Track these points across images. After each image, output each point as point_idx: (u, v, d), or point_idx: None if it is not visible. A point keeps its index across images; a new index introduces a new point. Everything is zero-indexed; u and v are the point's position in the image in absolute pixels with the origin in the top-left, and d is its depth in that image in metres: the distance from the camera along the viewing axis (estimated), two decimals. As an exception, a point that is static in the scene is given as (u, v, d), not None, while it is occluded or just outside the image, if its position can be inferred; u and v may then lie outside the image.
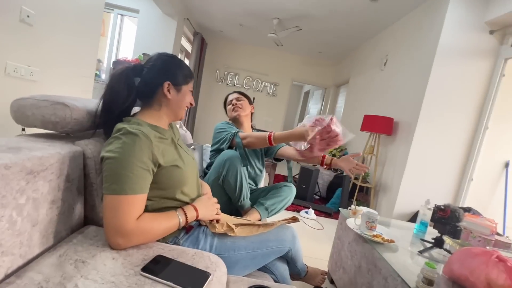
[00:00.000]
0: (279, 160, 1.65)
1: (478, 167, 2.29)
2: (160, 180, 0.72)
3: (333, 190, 3.16)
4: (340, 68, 5.29)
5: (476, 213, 2.05)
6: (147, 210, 0.71)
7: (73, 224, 0.68)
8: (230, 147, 1.34)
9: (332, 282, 1.45)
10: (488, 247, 1.11)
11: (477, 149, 2.28)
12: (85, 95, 2.18)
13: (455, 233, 1.08)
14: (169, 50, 3.84)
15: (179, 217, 0.73)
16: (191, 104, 0.86)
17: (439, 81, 2.30)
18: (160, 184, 0.72)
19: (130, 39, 4.02)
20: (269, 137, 1.20)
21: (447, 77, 2.29)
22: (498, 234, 1.27)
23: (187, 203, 0.80)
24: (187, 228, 0.80)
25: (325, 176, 3.44)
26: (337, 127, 1.13)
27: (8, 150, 0.52)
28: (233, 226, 0.81)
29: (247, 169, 1.44)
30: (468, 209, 2.08)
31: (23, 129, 0.74)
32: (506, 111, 2.27)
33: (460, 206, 2.26)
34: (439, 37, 2.27)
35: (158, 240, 0.72)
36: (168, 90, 0.78)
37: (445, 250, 1.11)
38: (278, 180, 3.94)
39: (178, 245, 0.77)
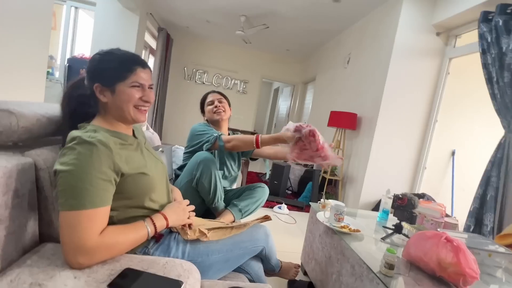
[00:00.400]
0: (254, 159, 1.66)
1: (430, 156, 2.54)
2: (125, 190, 0.68)
3: (304, 185, 3.27)
4: (307, 65, 5.46)
5: (429, 198, 2.28)
6: (112, 221, 0.67)
7: (26, 244, 0.62)
8: (209, 149, 1.31)
9: (305, 273, 1.51)
10: (438, 229, 1.24)
11: (428, 140, 2.52)
12: (37, 96, 1.98)
13: (412, 219, 1.19)
14: (132, 46, 3.62)
15: (147, 227, 0.69)
16: (144, 101, 0.73)
17: (396, 79, 2.49)
18: (126, 194, 0.68)
19: (87, 34, 3.71)
20: (257, 140, 1.20)
21: (403, 75, 2.49)
22: (447, 215, 1.43)
23: (156, 210, 0.77)
24: (156, 237, 0.77)
25: (296, 171, 3.55)
26: (323, 144, 1.14)
27: None
28: (205, 231, 0.80)
29: (223, 172, 1.42)
30: (422, 195, 2.30)
31: (-42, 141, 0.65)
32: (452, 106, 2.54)
33: (415, 192, 2.49)
34: (394, 37, 2.45)
35: (127, 252, 0.69)
36: (102, 93, 0.70)
37: (404, 235, 1.22)
38: (251, 177, 3.97)
39: (148, 255, 0.74)
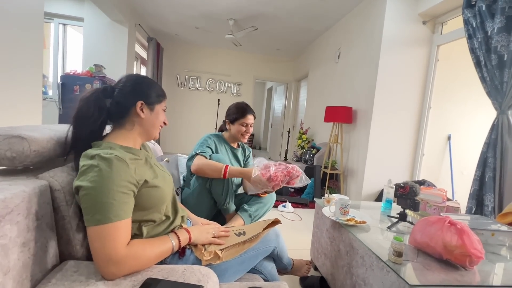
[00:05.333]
0: None
1: (427, 143, 2.59)
2: (139, 202, 0.70)
3: (306, 181, 3.30)
4: (299, 63, 5.50)
5: (430, 184, 2.32)
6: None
7: (48, 264, 0.64)
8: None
9: (316, 269, 1.54)
10: (441, 214, 1.28)
11: (424, 126, 2.57)
12: (35, 116, 1.99)
13: (415, 206, 1.22)
14: (123, 59, 3.63)
15: (172, 241, 0.73)
16: (164, 123, 0.86)
17: (387, 69, 2.53)
18: (140, 206, 0.71)
19: (77, 50, 3.72)
20: (225, 171, 1.20)
21: (393, 64, 2.53)
22: (448, 199, 1.47)
23: (166, 221, 0.80)
24: (180, 252, 0.79)
25: (297, 169, 3.57)
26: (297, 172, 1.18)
27: (-37, 198, 0.48)
28: (219, 252, 0.82)
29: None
30: (422, 182, 2.34)
31: (-27, 170, 0.67)
32: (444, 91, 2.59)
33: (416, 180, 2.53)
34: (382, 29, 2.50)
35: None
36: (141, 109, 0.77)
37: (409, 222, 1.25)
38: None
39: (166, 263, 0.76)
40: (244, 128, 1.43)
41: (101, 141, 0.74)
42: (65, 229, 0.67)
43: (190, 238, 0.80)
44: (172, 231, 0.79)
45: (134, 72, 4.41)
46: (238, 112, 1.43)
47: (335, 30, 3.69)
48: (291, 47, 5.04)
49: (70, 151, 0.74)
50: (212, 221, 1.05)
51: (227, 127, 1.49)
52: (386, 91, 2.55)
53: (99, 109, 0.74)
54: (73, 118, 0.73)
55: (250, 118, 1.44)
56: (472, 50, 1.87)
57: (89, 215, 0.60)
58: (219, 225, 0.98)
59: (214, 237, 0.87)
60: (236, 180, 1.49)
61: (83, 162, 0.66)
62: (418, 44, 2.53)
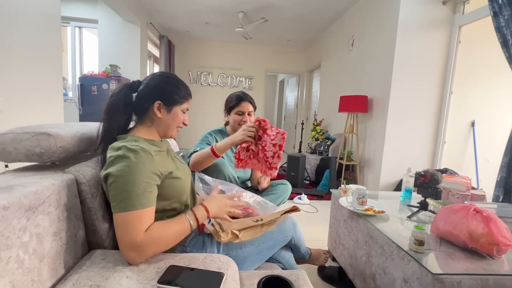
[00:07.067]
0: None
1: (449, 130, 2.47)
2: (162, 192, 0.73)
3: (322, 173, 3.27)
4: (311, 53, 5.39)
5: (452, 172, 2.23)
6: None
7: (78, 252, 0.68)
8: None
9: (333, 259, 1.54)
10: (466, 202, 1.23)
11: (445, 113, 2.45)
12: (57, 116, 2.08)
13: (437, 195, 1.18)
14: (136, 58, 3.71)
15: (189, 220, 0.74)
16: (184, 124, 0.86)
17: (404, 55, 2.42)
18: (162, 196, 0.74)
19: (93, 52, 3.83)
20: (212, 149, 1.12)
21: (411, 49, 2.42)
22: (473, 188, 1.40)
23: (185, 210, 0.82)
24: (200, 227, 0.80)
25: (312, 161, 3.54)
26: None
27: (1, 190, 0.52)
28: (237, 233, 0.83)
29: (239, 173, 1.42)
30: (444, 170, 2.25)
31: (6, 165, 0.71)
32: (467, 75, 2.45)
33: (437, 168, 2.44)
34: (398, 12, 2.38)
35: (166, 251, 0.74)
36: (159, 109, 0.79)
37: (430, 211, 1.21)
38: (267, 171, 3.99)
39: (186, 252, 0.79)
40: (240, 117, 1.34)
41: (125, 135, 0.77)
42: (91, 220, 0.71)
43: (208, 216, 0.80)
44: (190, 209, 0.79)
45: (147, 71, 4.50)
46: (233, 100, 1.36)
47: (348, 17, 3.57)
48: (303, 37, 4.93)
49: (100, 143, 0.78)
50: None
51: (226, 119, 1.44)
52: (404, 77, 2.45)
53: (125, 103, 0.77)
54: (104, 111, 0.77)
55: (245, 106, 1.33)
56: (498, 29, 1.75)
57: (116, 201, 0.64)
58: (236, 200, 0.95)
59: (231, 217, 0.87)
60: (244, 175, 1.46)
61: (110, 153, 0.69)
62: (437, 26, 2.40)
